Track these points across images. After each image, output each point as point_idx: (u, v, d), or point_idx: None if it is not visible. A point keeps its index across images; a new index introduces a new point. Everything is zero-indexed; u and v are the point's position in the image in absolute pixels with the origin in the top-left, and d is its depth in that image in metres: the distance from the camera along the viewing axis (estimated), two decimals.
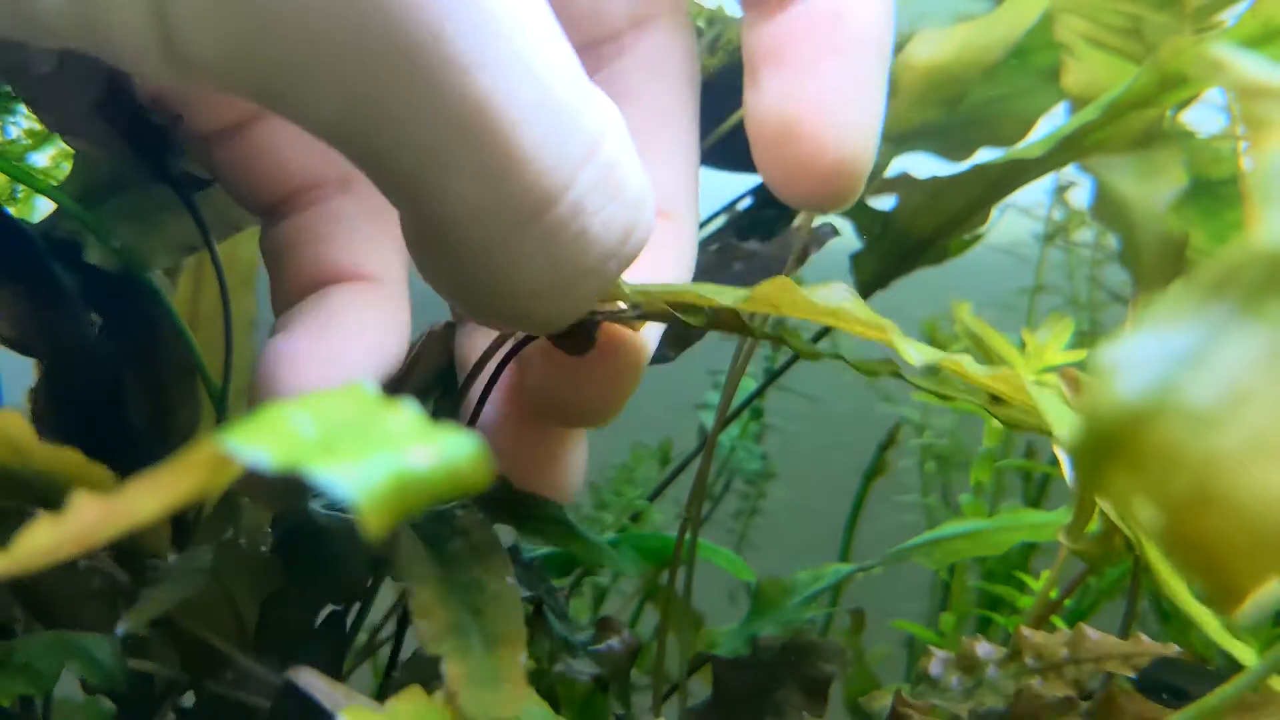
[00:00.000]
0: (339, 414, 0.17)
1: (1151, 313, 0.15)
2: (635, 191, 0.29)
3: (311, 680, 0.28)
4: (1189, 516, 0.14)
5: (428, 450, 0.16)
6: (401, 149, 0.26)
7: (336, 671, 0.39)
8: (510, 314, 0.29)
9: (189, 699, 0.42)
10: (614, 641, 0.45)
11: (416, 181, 0.26)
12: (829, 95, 0.31)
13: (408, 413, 0.17)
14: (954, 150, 0.55)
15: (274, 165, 0.39)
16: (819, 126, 0.31)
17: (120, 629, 0.31)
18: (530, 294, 0.28)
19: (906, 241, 0.57)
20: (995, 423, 0.54)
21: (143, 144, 0.42)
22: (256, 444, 0.16)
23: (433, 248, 0.28)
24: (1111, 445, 0.14)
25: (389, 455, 0.16)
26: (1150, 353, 0.14)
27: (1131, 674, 0.33)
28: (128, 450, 0.50)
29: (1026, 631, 0.36)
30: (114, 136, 0.41)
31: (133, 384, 0.51)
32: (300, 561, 0.36)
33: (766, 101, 0.32)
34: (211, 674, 0.38)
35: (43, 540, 0.17)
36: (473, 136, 0.25)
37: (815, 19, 0.31)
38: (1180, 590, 0.33)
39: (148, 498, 0.17)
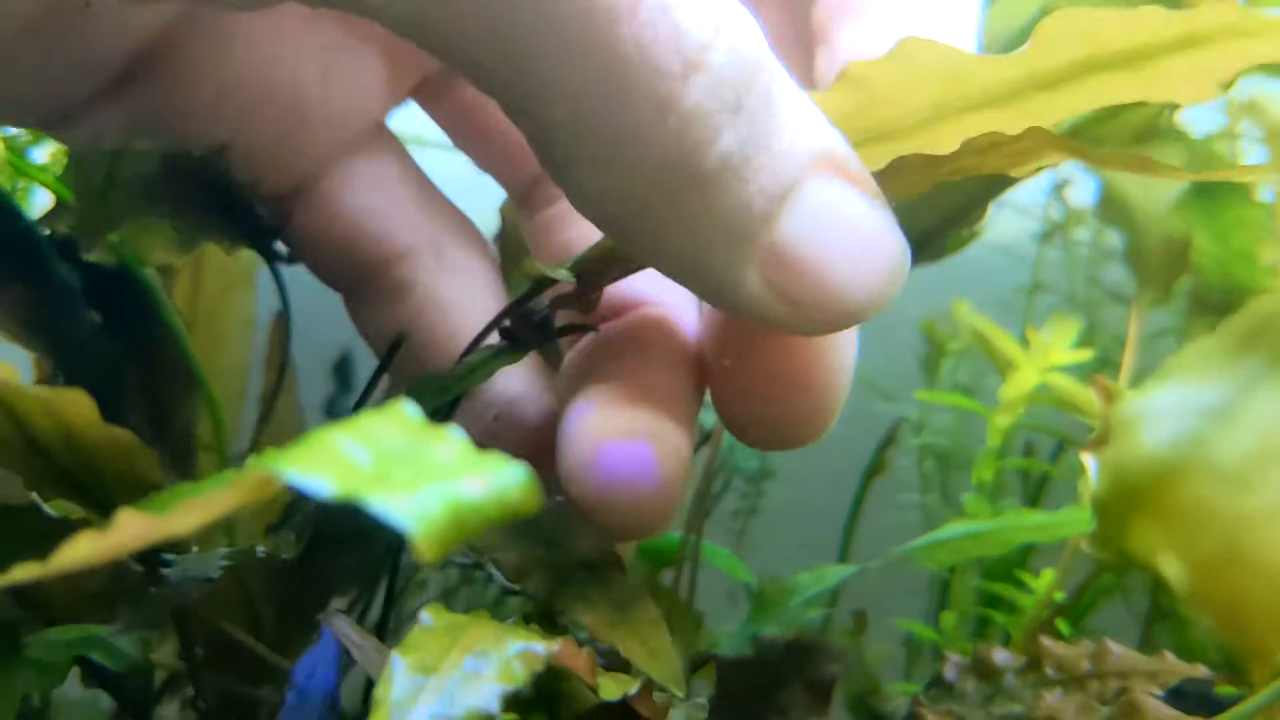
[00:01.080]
0: (389, 441, 0.17)
1: (1181, 362, 0.15)
2: (785, 146, 0.27)
3: (344, 629, 0.28)
4: (1216, 574, 0.14)
5: (480, 480, 0.16)
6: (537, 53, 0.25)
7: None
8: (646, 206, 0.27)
9: (195, 690, 0.42)
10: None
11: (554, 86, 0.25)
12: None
13: (456, 440, 0.17)
14: None
15: (359, 228, 0.38)
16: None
17: (117, 628, 0.31)
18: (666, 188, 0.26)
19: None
20: (1000, 421, 0.54)
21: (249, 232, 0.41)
22: (313, 472, 0.16)
23: (556, 158, 0.27)
24: (1139, 498, 0.14)
25: (443, 485, 0.16)
26: (1179, 405, 0.14)
27: (1158, 692, 0.33)
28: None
29: (1048, 641, 0.36)
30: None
31: (131, 383, 0.51)
32: (320, 565, 0.36)
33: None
34: (227, 667, 0.39)
35: (83, 551, 0.17)
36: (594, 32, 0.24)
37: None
38: None
39: (189, 515, 0.17)
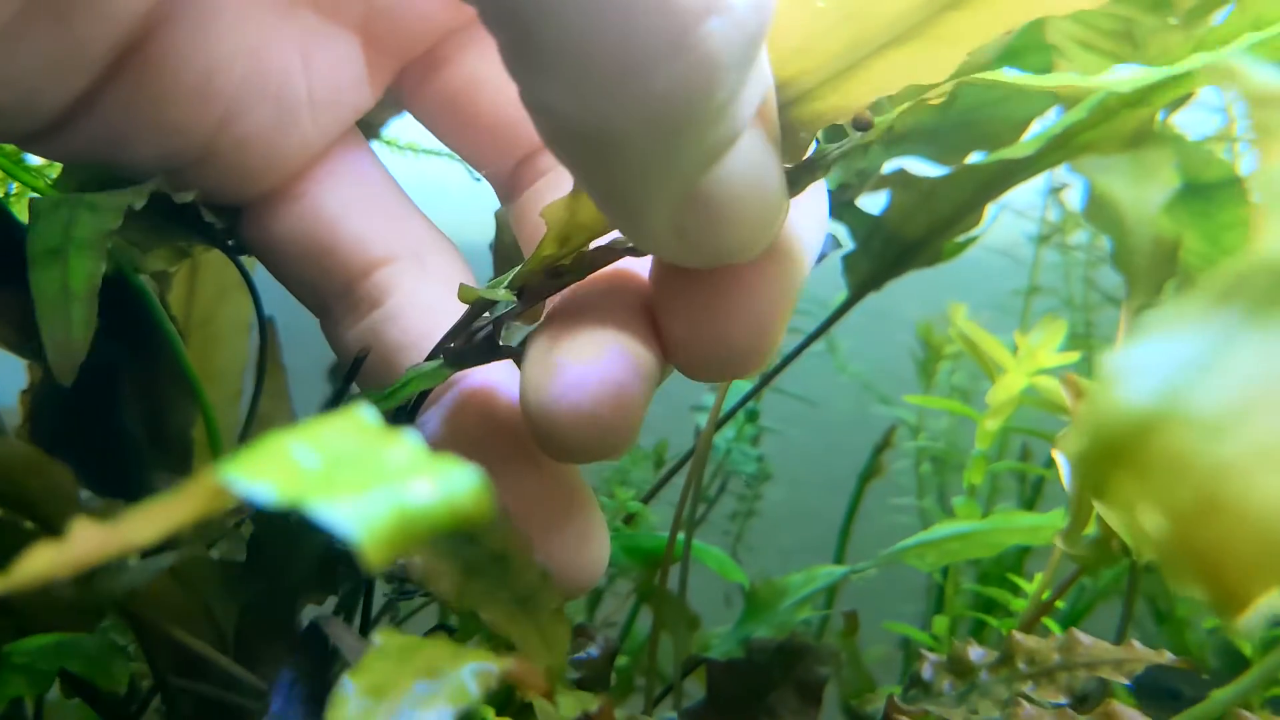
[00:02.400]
0: (340, 445, 0.17)
1: (1158, 319, 0.15)
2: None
3: (336, 629, 0.28)
4: (1195, 524, 0.14)
5: (429, 484, 0.16)
6: None
7: (325, 677, 0.39)
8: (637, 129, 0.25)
9: (170, 701, 0.42)
10: (591, 649, 0.45)
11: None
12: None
13: (409, 444, 0.17)
14: (946, 154, 0.55)
15: (337, 236, 0.38)
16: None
17: None
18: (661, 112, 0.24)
19: (899, 243, 0.56)
20: (988, 425, 0.54)
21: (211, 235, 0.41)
22: (257, 477, 0.16)
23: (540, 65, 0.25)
24: (1117, 452, 0.14)
25: (389, 489, 0.16)
26: (1157, 359, 0.14)
27: (1125, 680, 0.33)
28: (121, 454, 0.50)
29: (1019, 636, 0.36)
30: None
31: (126, 387, 0.51)
32: (272, 562, 0.36)
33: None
34: (197, 676, 0.38)
35: (41, 564, 0.17)
36: None
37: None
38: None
39: (146, 525, 0.17)
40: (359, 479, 0.16)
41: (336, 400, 0.35)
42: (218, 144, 0.37)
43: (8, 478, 0.26)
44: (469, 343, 0.33)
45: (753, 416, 0.70)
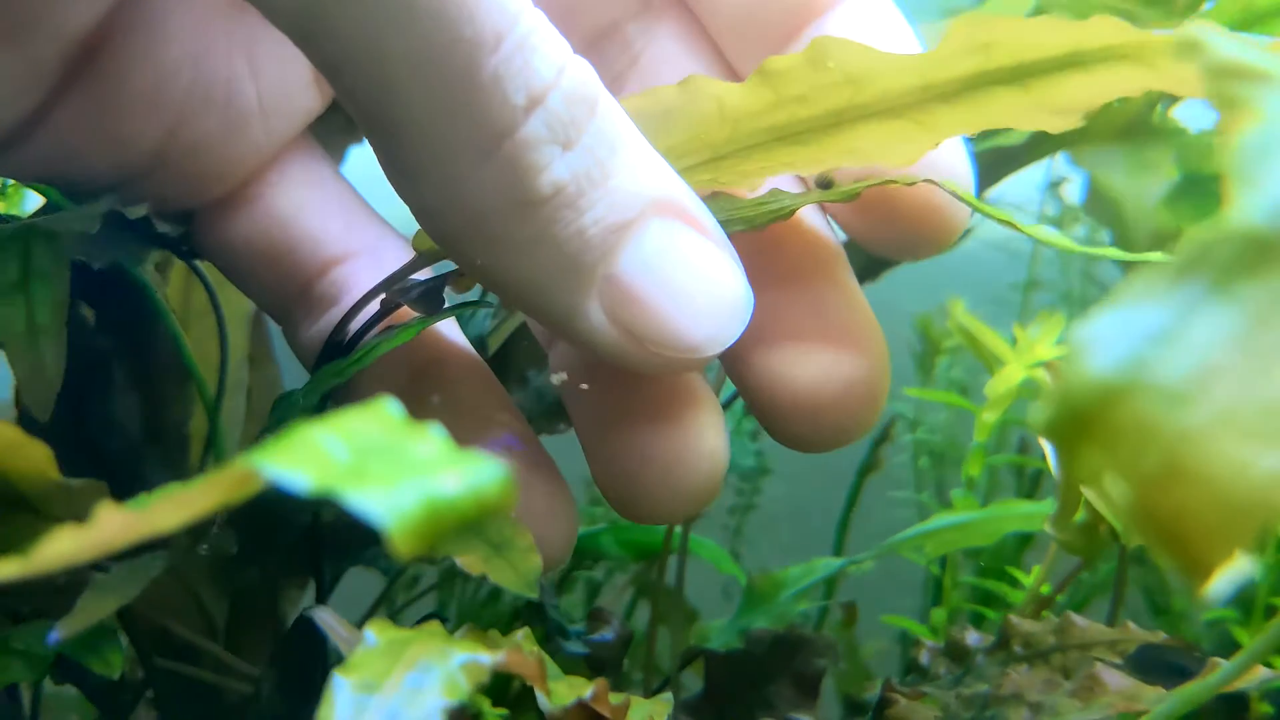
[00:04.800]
0: (368, 436, 0.17)
1: (1123, 290, 0.15)
2: (623, 185, 0.29)
3: (328, 620, 0.28)
4: (1158, 491, 0.14)
5: (458, 476, 0.16)
6: (368, 54, 0.26)
7: (318, 669, 0.39)
8: (463, 234, 0.29)
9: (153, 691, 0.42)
10: (607, 632, 0.46)
11: (382, 89, 0.27)
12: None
13: (435, 437, 0.17)
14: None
15: (291, 237, 0.38)
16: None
17: (53, 636, 0.31)
18: (479, 217, 0.28)
19: None
20: (987, 417, 0.54)
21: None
22: (290, 466, 0.16)
23: (401, 167, 0.29)
24: (1083, 421, 0.14)
25: (420, 481, 0.16)
26: (1122, 330, 0.14)
27: (1118, 660, 0.33)
28: (117, 446, 0.50)
29: (1015, 619, 0.36)
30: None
31: (123, 379, 0.51)
32: (258, 547, 0.36)
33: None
34: (189, 663, 0.38)
35: (66, 549, 0.17)
36: (436, 53, 0.26)
37: None
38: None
39: (171, 511, 0.17)
40: (389, 470, 0.16)
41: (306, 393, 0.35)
42: (169, 152, 0.37)
43: None
44: (407, 293, 0.34)
45: None
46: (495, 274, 0.30)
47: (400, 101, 0.27)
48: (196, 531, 0.37)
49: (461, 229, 0.29)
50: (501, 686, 0.54)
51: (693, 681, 0.53)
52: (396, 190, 0.30)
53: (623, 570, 0.67)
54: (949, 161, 0.33)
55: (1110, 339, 0.15)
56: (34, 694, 0.48)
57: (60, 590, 0.32)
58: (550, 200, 0.28)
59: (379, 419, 0.18)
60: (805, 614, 0.64)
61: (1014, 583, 0.58)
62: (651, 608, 0.54)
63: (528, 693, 0.55)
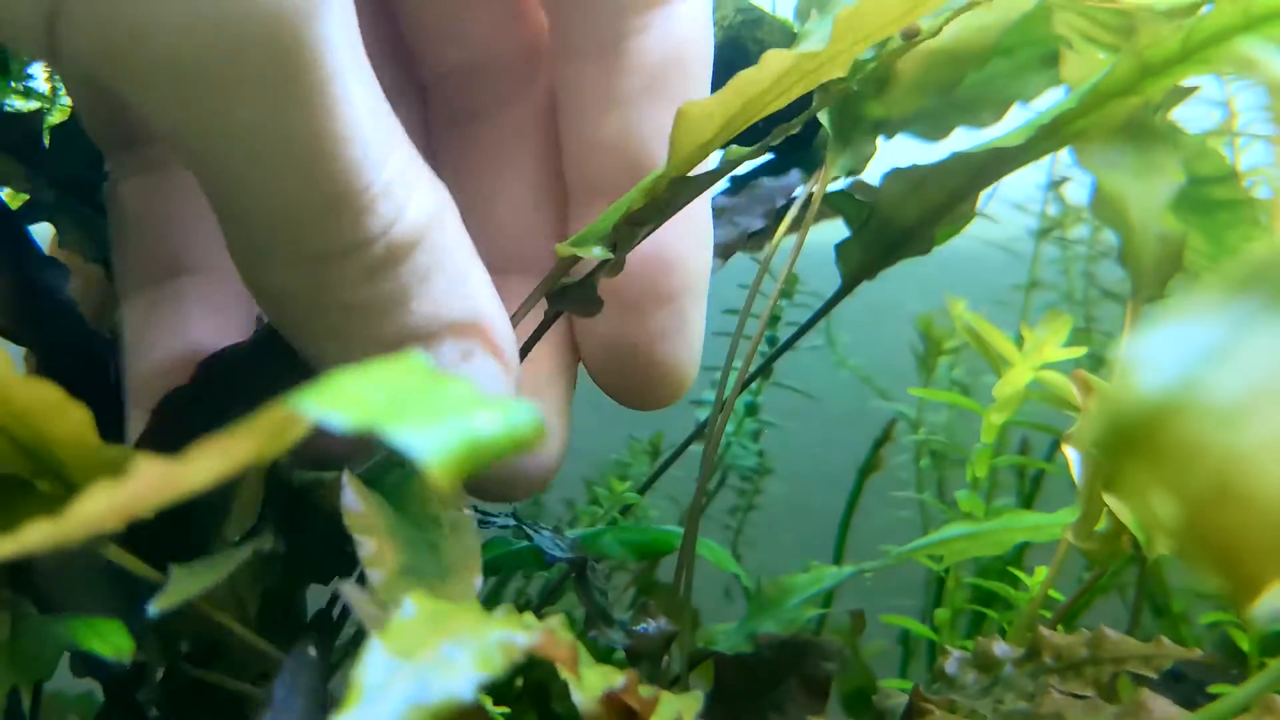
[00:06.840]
0: (402, 381, 0.18)
1: (1175, 307, 0.15)
2: (420, 308, 0.32)
3: (355, 596, 0.28)
4: (1208, 511, 0.14)
5: (494, 415, 0.17)
6: (232, 157, 0.28)
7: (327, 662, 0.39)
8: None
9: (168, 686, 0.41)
10: (650, 624, 0.46)
11: (237, 184, 0.29)
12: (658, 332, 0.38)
13: (465, 382, 0.18)
14: (932, 130, 0.55)
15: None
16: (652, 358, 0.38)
17: (152, 609, 0.30)
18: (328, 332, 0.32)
19: (891, 231, 0.56)
20: (992, 419, 0.54)
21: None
22: (329, 406, 0.17)
23: (249, 256, 0.32)
24: (1133, 439, 0.14)
25: (460, 419, 0.17)
26: (1173, 347, 0.14)
27: (1153, 674, 0.33)
28: (117, 441, 0.50)
29: (1046, 631, 0.36)
30: None
31: (120, 376, 0.51)
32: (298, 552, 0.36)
33: (602, 331, 0.38)
34: (212, 660, 0.38)
35: (101, 505, 0.17)
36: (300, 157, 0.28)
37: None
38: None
39: (209, 462, 0.17)
40: (428, 410, 0.17)
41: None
42: None
43: (27, 422, 0.26)
44: (563, 294, 0.36)
45: (752, 411, 0.70)
46: (310, 350, 0.33)
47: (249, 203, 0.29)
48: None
49: (294, 317, 0.32)
50: (505, 686, 0.54)
51: (694, 683, 0.53)
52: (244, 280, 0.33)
53: (623, 570, 0.67)
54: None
55: (1162, 356, 0.14)
56: (34, 694, 0.48)
57: (82, 582, 0.31)
58: (358, 309, 0.31)
59: (411, 367, 0.19)
60: (808, 617, 0.64)
61: (1015, 582, 0.58)
62: (659, 609, 0.54)
63: (530, 692, 0.55)
